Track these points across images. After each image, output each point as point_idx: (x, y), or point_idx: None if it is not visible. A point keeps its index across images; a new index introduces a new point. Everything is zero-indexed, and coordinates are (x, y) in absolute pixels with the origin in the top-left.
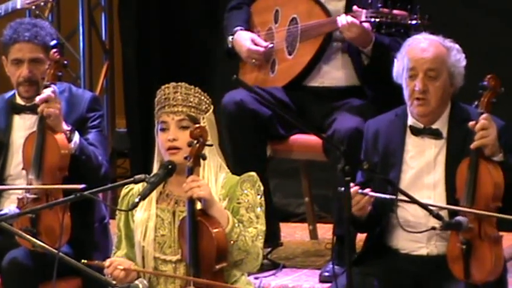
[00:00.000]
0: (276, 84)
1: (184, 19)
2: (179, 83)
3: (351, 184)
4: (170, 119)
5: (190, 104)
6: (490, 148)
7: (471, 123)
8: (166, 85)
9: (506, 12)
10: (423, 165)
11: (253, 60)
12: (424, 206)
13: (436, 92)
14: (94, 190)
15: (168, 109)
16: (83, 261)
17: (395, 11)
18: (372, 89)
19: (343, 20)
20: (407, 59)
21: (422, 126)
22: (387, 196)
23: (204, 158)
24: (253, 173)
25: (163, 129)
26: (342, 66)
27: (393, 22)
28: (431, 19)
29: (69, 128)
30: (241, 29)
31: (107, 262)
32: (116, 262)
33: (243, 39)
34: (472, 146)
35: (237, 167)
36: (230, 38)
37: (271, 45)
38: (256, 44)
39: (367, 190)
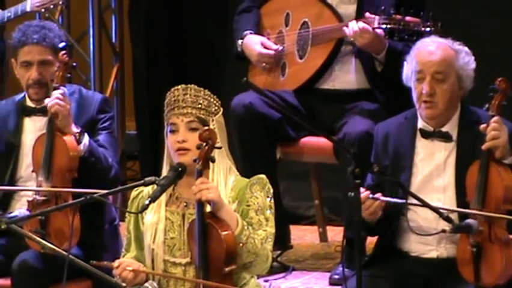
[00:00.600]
0: (286, 88)
1: (195, 21)
2: (189, 85)
3: (362, 189)
4: (180, 120)
5: (200, 106)
6: (500, 150)
7: (482, 126)
8: (176, 87)
9: (509, 13)
10: (433, 168)
11: (264, 64)
12: (434, 209)
13: (444, 95)
14: (104, 193)
15: (177, 111)
16: (92, 262)
17: (408, 18)
18: (384, 93)
19: (354, 26)
20: (415, 61)
21: (431, 129)
22: (398, 200)
23: (213, 161)
24: (262, 176)
25: (172, 131)
26: (354, 69)
27: (405, 29)
28: (443, 26)
29: (78, 130)
30: (250, 33)
31: (116, 263)
32: (125, 263)
33: (253, 43)
34: (484, 147)
35: (246, 169)
36: (239, 41)
37: (281, 47)
38: (266, 47)
39: (378, 195)
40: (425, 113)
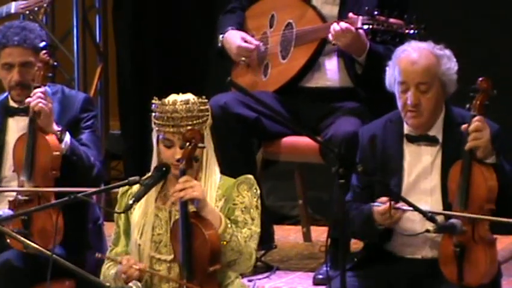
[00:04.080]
0: (267, 88)
1: (179, 21)
2: (179, 100)
3: (384, 199)
4: (176, 139)
5: (193, 120)
6: (482, 150)
7: (464, 126)
8: (165, 101)
9: (500, 15)
10: (420, 171)
11: (243, 58)
12: (422, 212)
13: (429, 104)
14: (87, 192)
15: (172, 129)
16: (97, 254)
17: (392, 19)
18: (366, 93)
19: (336, 27)
20: (398, 71)
21: (417, 133)
22: (420, 209)
23: (197, 160)
24: (250, 176)
25: (167, 146)
26: (337, 67)
27: (389, 30)
28: (426, 29)
29: (59, 129)
30: (232, 29)
31: (124, 259)
32: (133, 261)
33: (233, 37)
34: (466, 147)
35: (224, 170)
36: (221, 36)
37: (262, 44)
38: (246, 42)
39: (399, 205)
40: (411, 122)
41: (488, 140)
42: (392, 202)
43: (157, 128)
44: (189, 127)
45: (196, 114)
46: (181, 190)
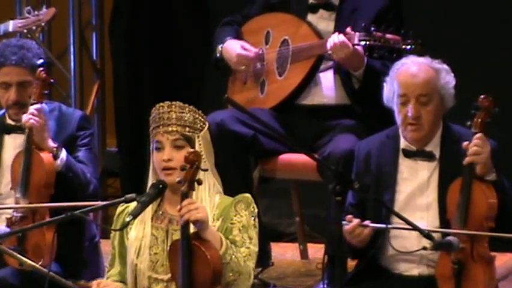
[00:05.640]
0: (265, 105)
1: (176, 37)
2: (174, 102)
3: (349, 216)
4: (165, 138)
5: (185, 123)
6: (481, 166)
7: (465, 143)
8: (161, 104)
9: (497, 31)
10: (416, 187)
11: (243, 67)
12: (417, 229)
13: (429, 117)
14: (84, 209)
15: (162, 129)
16: (69, 282)
17: (388, 35)
18: (363, 108)
19: (335, 39)
20: (397, 84)
21: (414, 148)
22: (388, 226)
23: (200, 183)
24: (247, 195)
25: (158, 149)
26: (334, 85)
27: (385, 46)
28: (423, 44)
29: (55, 145)
30: (230, 38)
31: (94, 284)
32: (103, 283)
33: (233, 46)
34: (465, 161)
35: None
36: (220, 46)
37: (261, 50)
38: (245, 50)
39: (366, 222)
40: (411, 136)
41: (488, 157)
42: (359, 220)
43: (151, 134)
44: (178, 128)
45: (189, 119)
46: (185, 212)
